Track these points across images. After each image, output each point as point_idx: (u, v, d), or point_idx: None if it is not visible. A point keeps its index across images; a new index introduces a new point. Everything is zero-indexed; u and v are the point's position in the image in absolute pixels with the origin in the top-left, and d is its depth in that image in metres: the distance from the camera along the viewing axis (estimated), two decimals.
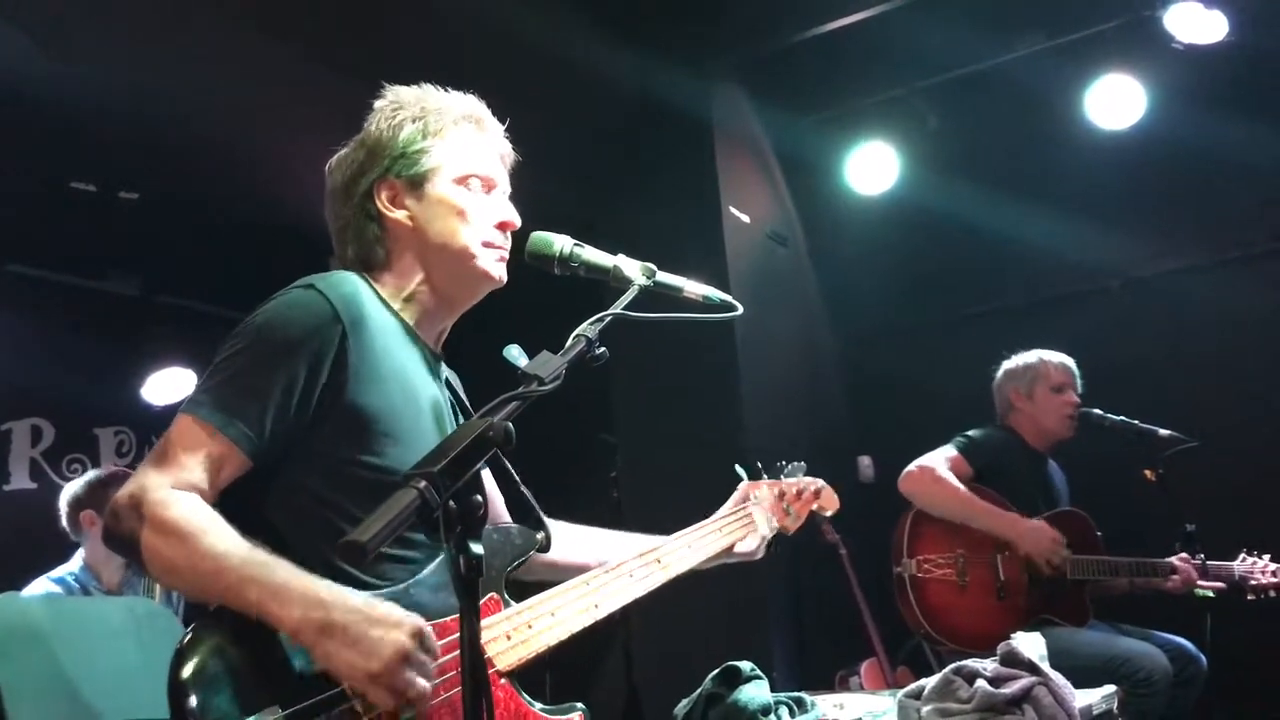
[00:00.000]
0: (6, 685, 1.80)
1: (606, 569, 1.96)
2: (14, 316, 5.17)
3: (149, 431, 5.83)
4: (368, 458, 1.70)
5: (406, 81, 2.05)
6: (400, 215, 1.92)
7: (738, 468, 2.50)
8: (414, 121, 1.94)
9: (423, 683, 1.45)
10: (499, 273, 1.94)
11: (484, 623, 1.69)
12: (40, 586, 4.04)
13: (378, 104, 1.99)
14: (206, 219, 5.40)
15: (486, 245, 1.92)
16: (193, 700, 1.41)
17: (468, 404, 2.05)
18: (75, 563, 4.15)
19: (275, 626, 1.48)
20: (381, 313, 1.83)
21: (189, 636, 1.49)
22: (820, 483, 2.60)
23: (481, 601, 1.69)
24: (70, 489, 4.27)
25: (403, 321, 1.89)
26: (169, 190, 5.10)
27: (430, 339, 1.97)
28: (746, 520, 2.36)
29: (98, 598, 3.96)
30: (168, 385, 5.56)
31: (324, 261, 2.00)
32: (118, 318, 5.64)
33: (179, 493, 1.58)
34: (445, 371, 2.04)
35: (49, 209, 5.03)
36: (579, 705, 1.78)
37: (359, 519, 1.62)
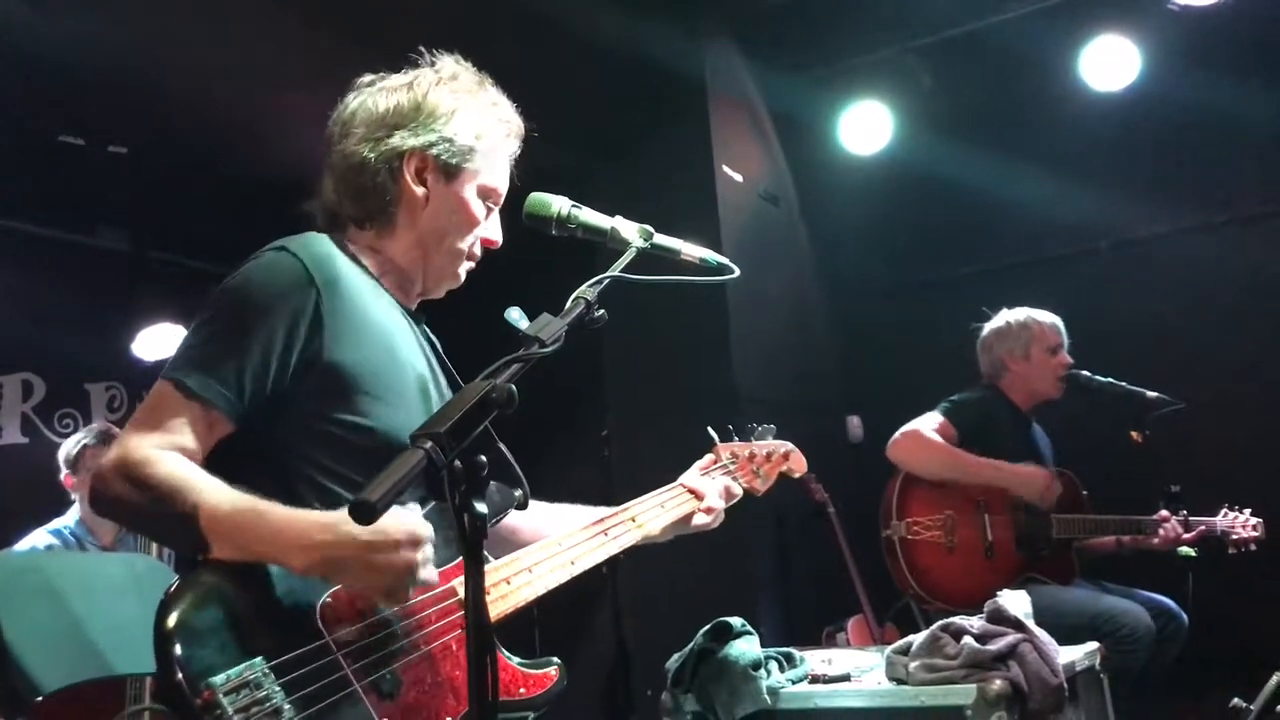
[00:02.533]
0: (13, 640, 1.82)
1: (582, 527, 2.00)
2: (4, 271, 5.14)
3: (140, 387, 5.82)
4: (351, 417, 1.72)
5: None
6: (420, 191, 1.92)
7: (710, 430, 2.54)
8: (473, 114, 1.96)
9: (427, 572, 1.53)
10: (462, 279, 2.03)
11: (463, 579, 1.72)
12: (38, 538, 4.09)
13: (442, 65, 1.99)
14: (197, 174, 5.35)
15: (470, 257, 2.00)
16: (177, 649, 1.43)
17: (447, 361, 2.06)
18: (71, 516, 4.20)
19: (283, 565, 1.52)
20: (355, 272, 1.84)
21: (174, 587, 1.51)
22: (788, 445, 2.66)
23: (459, 560, 1.72)
24: (63, 448, 4.34)
25: (378, 281, 1.90)
26: (159, 145, 5.05)
27: (405, 299, 1.98)
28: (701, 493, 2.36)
29: (96, 554, 3.99)
30: (158, 341, 5.54)
31: (314, 217, 2.00)
32: (108, 273, 5.62)
33: (163, 451, 1.59)
34: (424, 329, 2.05)
35: (38, 163, 4.99)
36: (554, 659, 1.82)
37: (345, 477, 1.67)
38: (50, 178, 5.17)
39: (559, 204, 1.86)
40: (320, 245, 1.81)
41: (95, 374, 5.78)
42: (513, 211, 1.96)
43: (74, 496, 4.25)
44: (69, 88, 4.49)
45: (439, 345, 2.09)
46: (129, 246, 5.66)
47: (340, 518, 1.48)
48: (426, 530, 1.54)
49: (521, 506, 1.80)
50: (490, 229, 2.01)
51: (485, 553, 1.77)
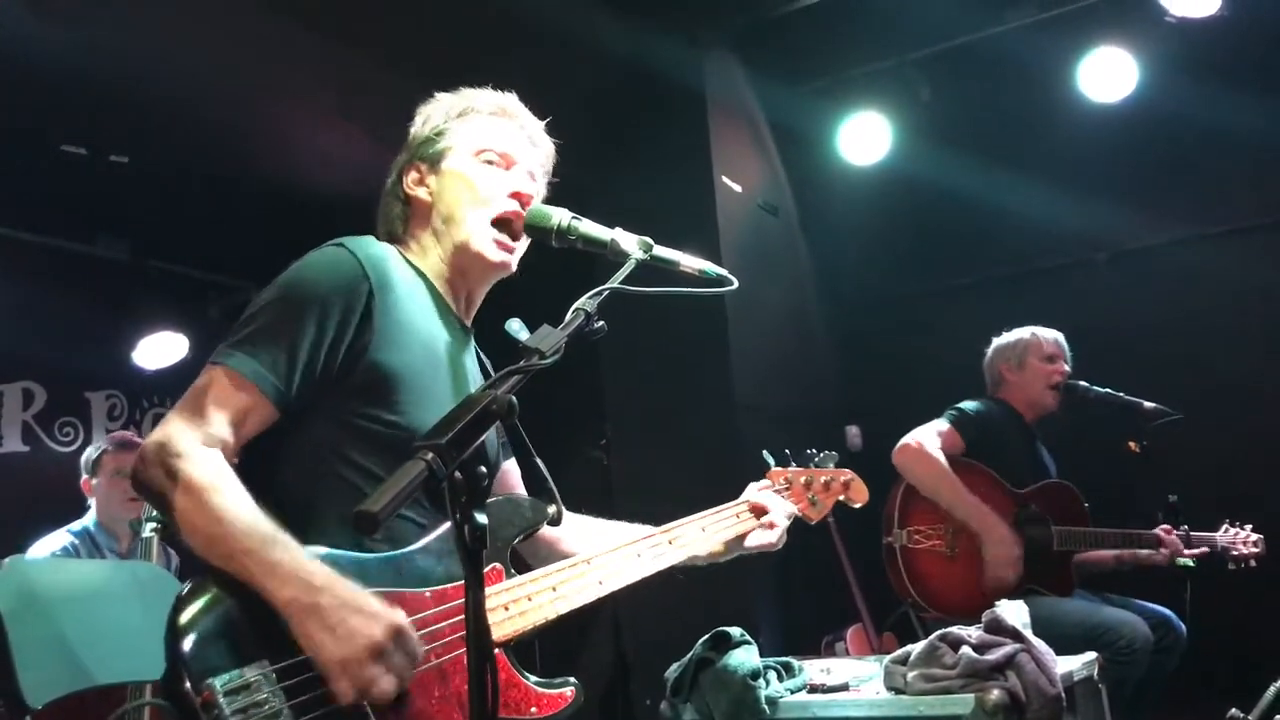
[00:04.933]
0: (18, 646, 1.83)
1: (613, 547, 1.96)
2: (4, 280, 5.15)
3: (140, 396, 5.85)
4: (388, 415, 1.73)
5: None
6: (421, 192, 1.99)
7: (765, 454, 2.49)
8: (442, 109, 2.03)
9: (387, 681, 1.47)
10: (495, 257, 1.94)
11: (485, 591, 1.72)
12: (59, 538, 4.17)
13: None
14: (198, 184, 5.37)
15: (499, 220, 1.94)
16: (184, 647, 1.45)
17: (490, 368, 2.08)
18: (89, 518, 4.27)
19: (268, 600, 1.51)
20: (411, 277, 1.88)
21: (189, 587, 1.53)
22: (849, 474, 2.58)
23: (485, 571, 1.73)
24: (85, 453, 4.44)
25: (433, 289, 1.93)
26: (160, 154, 5.07)
27: (459, 310, 2.00)
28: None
29: (103, 561, 4.04)
30: (158, 350, 5.56)
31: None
32: (109, 282, 5.63)
33: (203, 449, 1.61)
34: (474, 346, 2.06)
35: (39, 172, 5.00)
36: (572, 680, 1.79)
37: (377, 475, 1.68)
38: (51, 187, 5.18)
39: (559, 216, 1.87)
40: (376, 247, 1.85)
41: (95, 383, 5.78)
42: None
43: (89, 501, 4.31)
44: (70, 97, 4.50)
45: (489, 366, 2.10)
46: (129, 255, 5.66)
47: (340, 578, 1.52)
48: (409, 629, 1.52)
49: (554, 522, 1.80)
50: (512, 181, 1.98)
51: (513, 567, 1.79)
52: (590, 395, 5.21)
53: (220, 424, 1.65)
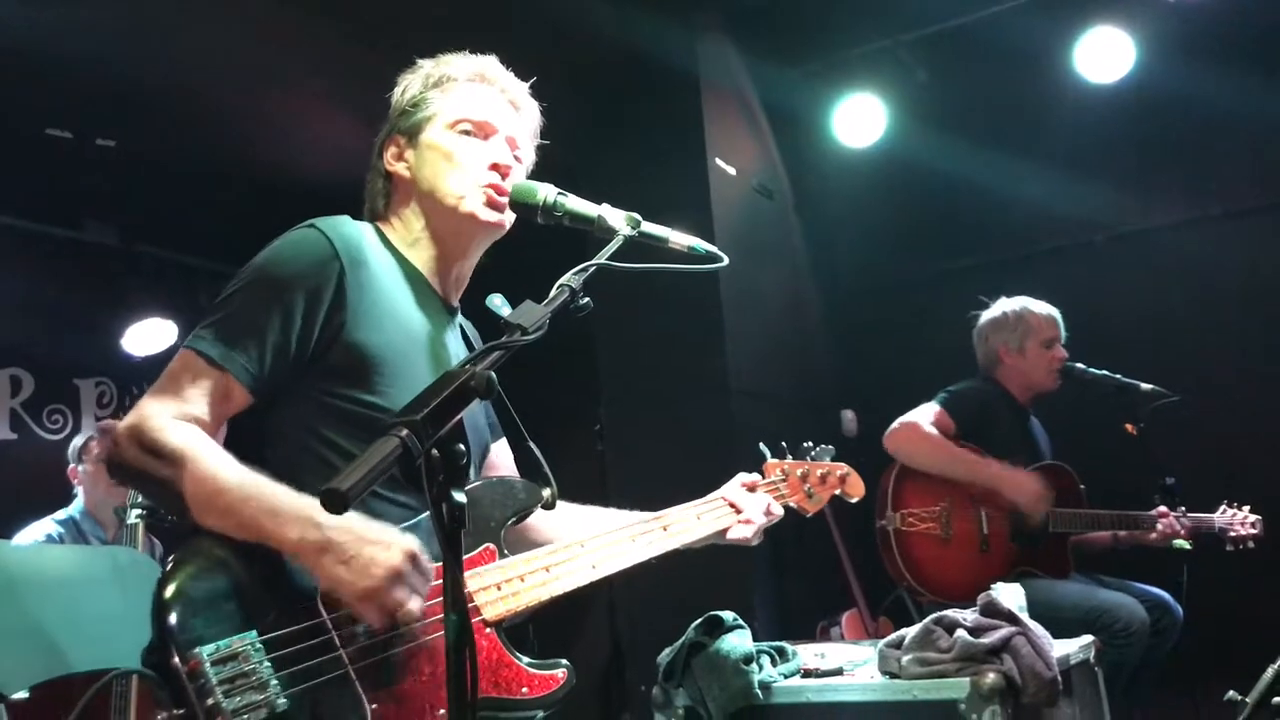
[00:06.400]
0: None
1: (608, 531, 1.97)
2: None
3: (130, 382, 5.81)
4: (366, 395, 1.72)
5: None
6: (400, 167, 1.96)
7: (761, 446, 2.49)
8: (419, 80, 1.99)
9: (414, 601, 1.50)
10: (488, 216, 1.91)
11: (476, 571, 1.72)
12: (45, 526, 4.17)
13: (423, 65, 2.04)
14: (186, 168, 5.33)
15: (481, 186, 1.91)
16: (173, 619, 1.45)
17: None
18: (75, 506, 4.28)
19: (275, 546, 1.52)
20: (386, 257, 1.86)
21: (173, 561, 1.53)
22: (846, 468, 2.61)
23: (477, 551, 1.73)
24: (72, 442, 4.46)
25: (412, 268, 1.91)
26: (149, 139, 5.02)
27: (443, 289, 1.97)
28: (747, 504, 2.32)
29: (82, 547, 4.03)
30: (148, 336, 5.52)
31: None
32: (97, 268, 5.60)
33: (178, 421, 1.62)
34: (461, 322, 2.04)
35: (24, 157, 4.96)
36: (564, 661, 1.78)
37: (351, 454, 1.65)
38: (37, 171, 5.14)
39: (545, 191, 1.83)
40: (349, 226, 1.83)
41: (84, 370, 5.76)
42: None
43: (77, 488, 4.31)
44: (55, 80, 4.46)
45: (476, 341, 2.08)
46: (118, 241, 5.64)
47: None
48: (426, 562, 1.55)
49: (549, 506, 1.79)
50: (491, 153, 1.93)
51: (505, 549, 1.78)
52: (584, 381, 5.18)
53: (194, 403, 1.66)
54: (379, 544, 1.50)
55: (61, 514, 4.24)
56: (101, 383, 5.80)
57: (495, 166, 1.92)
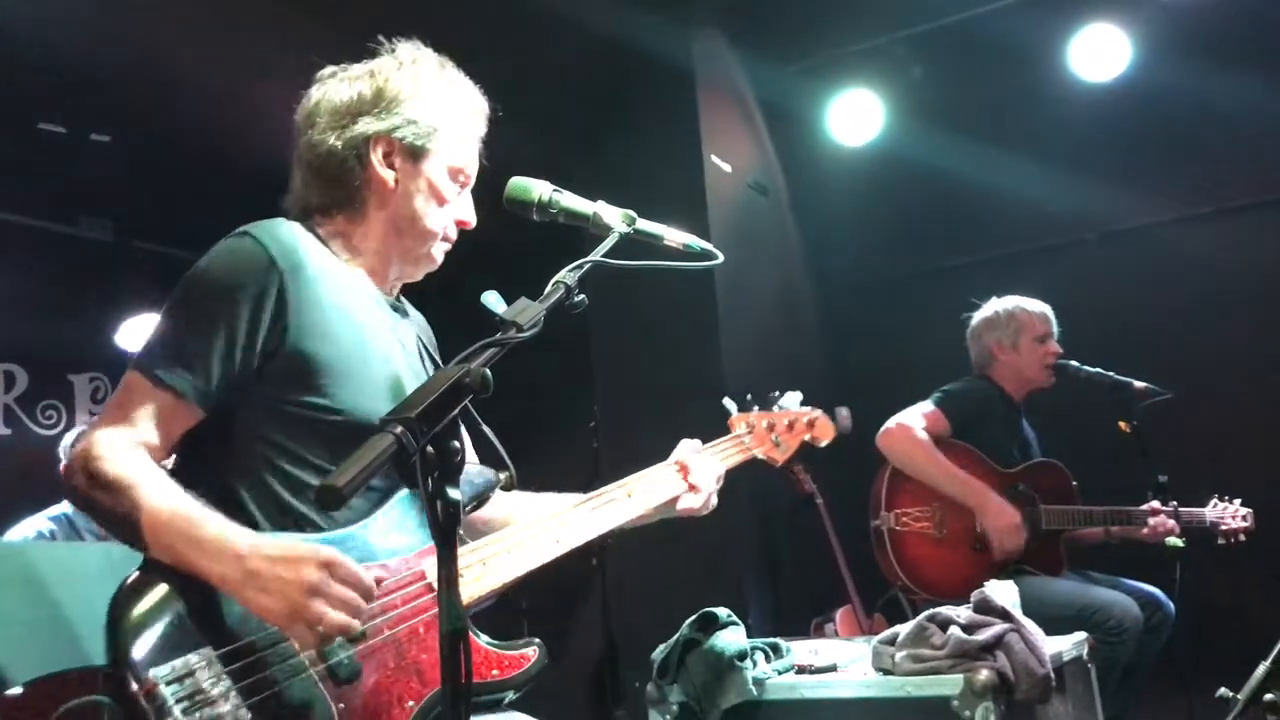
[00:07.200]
0: None
1: (568, 506, 1.96)
2: None
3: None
4: (317, 399, 1.70)
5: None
6: (388, 175, 1.90)
7: (725, 401, 2.46)
8: (435, 95, 1.94)
9: (334, 614, 1.47)
10: (439, 260, 2.00)
11: (432, 562, 1.70)
12: (37, 523, 4.16)
13: (401, 51, 1.97)
14: (180, 162, 5.30)
15: (445, 238, 1.97)
16: (123, 642, 1.46)
17: (434, 348, 2.06)
18: (68, 503, 4.22)
19: (204, 580, 1.52)
20: (325, 258, 1.83)
21: (129, 581, 1.54)
22: (815, 412, 2.57)
23: (427, 544, 1.71)
24: (65, 439, 4.48)
25: (354, 269, 1.89)
26: (142, 132, 5.00)
27: (387, 291, 1.97)
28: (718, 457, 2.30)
29: (75, 543, 4.01)
30: (142, 331, 5.51)
31: (286, 210, 1.97)
32: (91, 263, 5.58)
33: (122, 449, 1.61)
34: (411, 314, 2.04)
35: (17, 151, 4.93)
36: (535, 640, 1.79)
37: (308, 460, 1.67)
38: (30, 166, 5.11)
39: (540, 189, 1.82)
40: (285, 230, 1.80)
41: (78, 365, 5.74)
42: (494, 196, 1.93)
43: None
44: (49, 73, 4.43)
45: (429, 336, 2.08)
46: (112, 236, 5.62)
47: (266, 536, 1.55)
48: (339, 556, 1.51)
49: (507, 488, 1.79)
50: (462, 209, 1.99)
51: (465, 536, 1.77)
52: (580, 378, 5.18)
53: (143, 428, 1.65)
54: (288, 562, 1.48)
55: (55, 510, 4.22)
56: (96, 378, 5.79)
57: (462, 224, 1.99)
